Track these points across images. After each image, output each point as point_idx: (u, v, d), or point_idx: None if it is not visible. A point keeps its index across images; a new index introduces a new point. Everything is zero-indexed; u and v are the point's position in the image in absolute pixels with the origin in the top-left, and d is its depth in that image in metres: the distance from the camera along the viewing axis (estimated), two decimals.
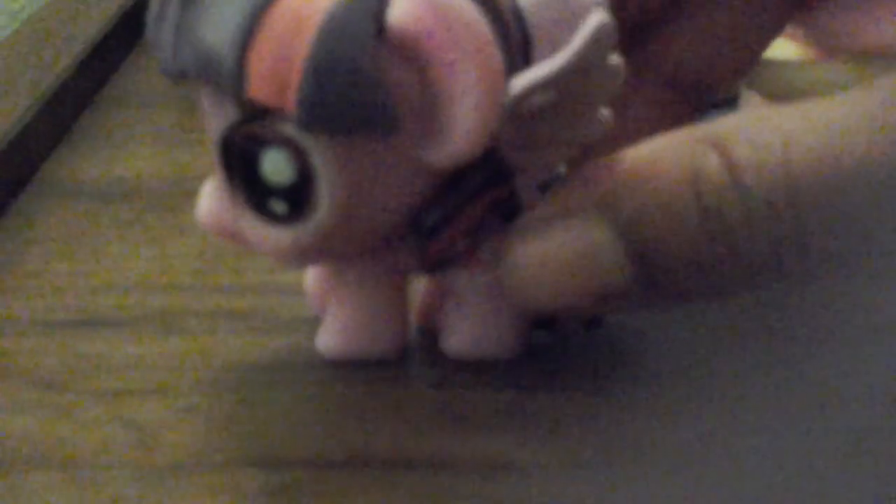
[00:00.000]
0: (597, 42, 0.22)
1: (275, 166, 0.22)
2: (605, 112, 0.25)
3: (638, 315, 0.27)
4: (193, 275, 0.29)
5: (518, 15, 0.23)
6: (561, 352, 0.26)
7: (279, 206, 0.23)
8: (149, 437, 0.23)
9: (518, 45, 0.23)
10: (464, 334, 0.25)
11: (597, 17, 0.22)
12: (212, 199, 0.24)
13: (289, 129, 0.22)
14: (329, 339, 0.26)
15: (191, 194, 0.33)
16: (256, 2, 0.21)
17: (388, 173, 0.23)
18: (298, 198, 0.22)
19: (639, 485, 0.22)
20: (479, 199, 0.24)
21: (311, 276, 0.26)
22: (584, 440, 0.23)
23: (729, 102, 0.34)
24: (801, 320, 0.27)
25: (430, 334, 0.26)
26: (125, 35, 0.44)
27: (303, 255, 0.23)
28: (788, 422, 0.23)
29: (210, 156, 0.35)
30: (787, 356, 0.26)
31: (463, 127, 0.22)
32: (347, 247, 0.24)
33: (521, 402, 0.24)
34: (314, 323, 0.27)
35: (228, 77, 0.21)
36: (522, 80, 0.22)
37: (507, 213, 0.24)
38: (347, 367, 0.25)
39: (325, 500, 0.22)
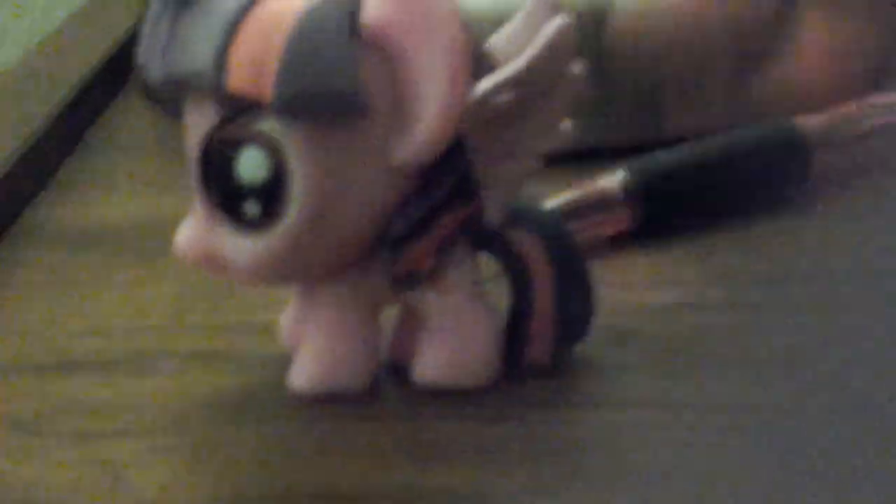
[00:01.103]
0: (556, 44, 0.24)
1: (249, 164, 0.23)
2: (566, 123, 0.25)
3: (605, 345, 0.27)
4: (168, 317, 0.30)
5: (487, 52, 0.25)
6: (529, 381, 0.26)
7: (253, 208, 0.24)
8: (120, 477, 0.23)
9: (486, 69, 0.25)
10: (434, 361, 0.26)
11: (557, 21, 0.24)
12: (188, 227, 0.25)
13: (264, 126, 0.23)
14: (301, 374, 0.26)
15: (168, 239, 0.34)
16: (237, 7, 0.23)
17: (358, 173, 0.24)
18: (272, 198, 0.24)
19: None
20: (448, 215, 0.24)
21: (285, 314, 0.27)
22: (554, 467, 0.23)
23: None
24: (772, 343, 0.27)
25: (401, 368, 0.27)
26: (108, 82, 0.45)
27: (276, 267, 0.24)
28: (752, 446, 0.24)
29: (187, 203, 0.36)
30: (747, 390, 0.26)
31: (428, 119, 0.23)
32: (319, 258, 0.24)
33: (489, 431, 0.24)
34: (286, 361, 0.27)
35: (210, 73, 0.23)
36: (487, 81, 0.24)
37: (475, 234, 0.25)
38: (318, 404, 0.26)
39: None
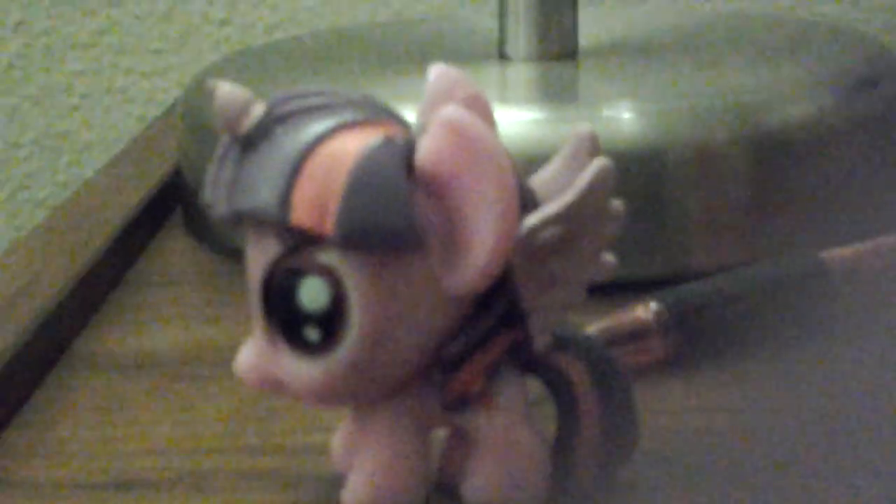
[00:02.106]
0: (599, 182, 0.25)
1: (311, 293, 0.25)
2: (609, 255, 0.27)
3: (646, 467, 0.28)
4: (220, 438, 0.30)
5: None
6: (580, 500, 0.27)
7: (313, 334, 0.25)
8: None
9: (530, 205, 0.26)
10: (482, 480, 0.26)
11: (598, 162, 0.26)
12: (248, 350, 0.26)
13: (325, 257, 0.25)
14: (354, 494, 0.27)
15: (215, 364, 0.35)
16: (301, 148, 0.25)
17: (414, 301, 0.25)
18: (331, 324, 0.25)
19: None
20: (496, 338, 0.25)
21: (338, 435, 0.28)
22: None
23: None
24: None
25: (450, 488, 0.27)
26: (151, 220, 0.47)
27: (333, 390, 0.25)
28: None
29: (232, 330, 0.37)
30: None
31: (480, 252, 0.25)
32: (375, 381, 0.26)
33: None
34: (339, 481, 0.28)
35: (274, 209, 0.25)
36: (534, 217, 0.25)
37: (522, 356, 0.26)
38: None
39: None
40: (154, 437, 0.31)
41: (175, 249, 0.45)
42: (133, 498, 0.28)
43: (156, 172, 0.49)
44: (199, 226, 0.45)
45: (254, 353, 0.26)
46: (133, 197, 0.46)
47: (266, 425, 0.31)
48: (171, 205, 0.49)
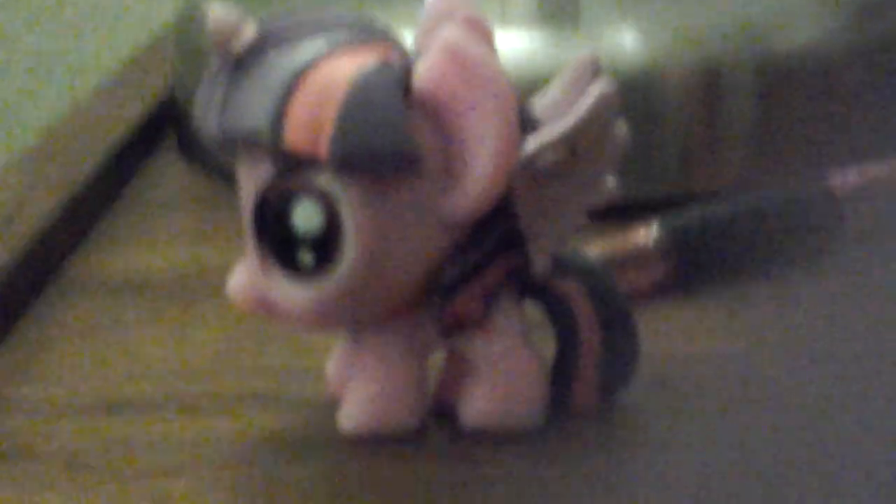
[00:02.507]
0: (602, 105, 0.25)
1: (305, 216, 0.24)
2: (611, 179, 0.26)
3: (645, 391, 0.28)
4: (213, 360, 0.30)
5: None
6: (573, 425, 0.26)
7: (307, 257, 0.24)
8: None
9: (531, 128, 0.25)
10: (480, 406, 0.26)
11: (602, 83, 0.25)
12: (241, 273, 0.26)
13: (319, 179, 0.24)
14: (350, 415, 0.26)
15: (209, 287, 0.34)
16: (294, 69, 0.24)
17: (409, 225, 0.24)
18: (325, 248, 0.24)
19: None
20: (495, 263, 0.25)
21: (332, 360, 0.27)
22: None
23: None
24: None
25: (448, 411, 0.27)
26: (144, 143, 0.46)
27: (327, 314, 0.25)
28: (790, 491, 0.24)
29: (226, 252, 0.37)
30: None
31: (479, 176, 0.24)
32: (370, 306, 0.25)
33: (534, 473, 0.25)
34: (333, 404, 0.28)
35: (267, 131, 0.24)
36: (535, 140, 0.24)
37: (521, 281, 0.26)
38: (366, 445, 0.26)
39: None
40: (146, 359, 0.30)
41: (168, 172, 0.44)
42: (124, 420, 0.27)
43: (149, 95, 0.48)
44: (193, 148, 0.44)
45: (246, 276, 0.26)
46: (126, 119, 0.45)
47: (260, 348, 0.31)
48: (164, 127, 0.48)
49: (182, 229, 0.39)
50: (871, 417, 0.27)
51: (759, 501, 0.24)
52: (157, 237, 0.38)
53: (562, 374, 0.27)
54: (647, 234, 0.33)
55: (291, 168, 0.24)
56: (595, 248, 0.33)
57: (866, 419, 0.27)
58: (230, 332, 0.32)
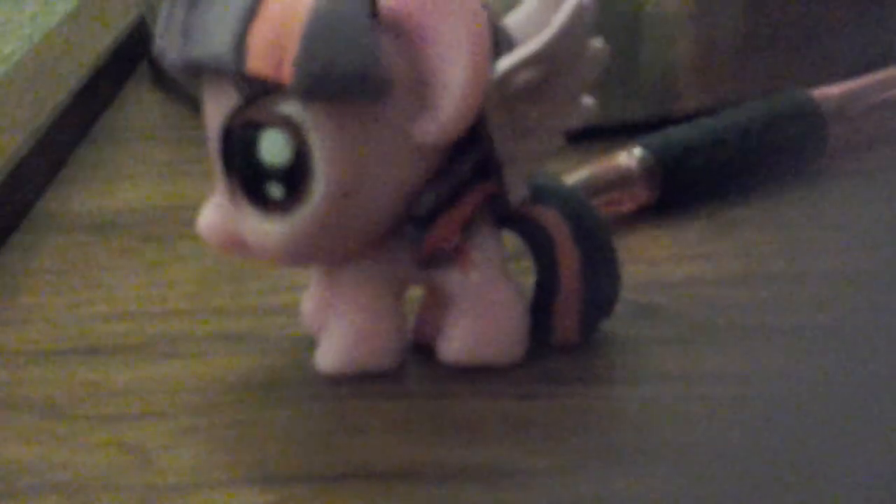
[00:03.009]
0: (577, 20, 0.24)
1: (272, 146, 0.23)
2: (588, 99, 0.25)
3: (630, 320, 0.27)
4: (189, 300, 0.30)
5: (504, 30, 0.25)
6: (555, 357, 0.26)
7: (276, 190, 0.24)
8: (148, 459, 0.23)
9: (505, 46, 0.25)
10: (460, 340, 0.25)
11: (575, 0, 0.24)
12: (211, 210, 0.25)
13: (285, 108, 0.23)
14: (327, 354, 0.26)
15: (184, 223, 0.34)
16: None
17: (381, 153, 0.24)
18: (295, 180, 0.24)
19: (639, 484, 0.22)
20: (471, 191, 0.24)
21: (308, 296, 0.27)
22: (582, 442, 0.23)
23: None
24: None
25: (427, 348, 0.27)
26: (116, 71, 0.45)
27: (299, 249, 0.24)
28: (785, 417, 0.24)
29: (202, 187, 0.36)
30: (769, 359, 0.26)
31: (450, 98, 0.23)
32: (344, 239, 0.24)
33: (520, 408, 0.24)
34: (311, 342, 0.27)
35: (229, 57, 0.23)
36: (508, 59, 0.24)
37: (498, 209, 0.25)
38: (345, 383, 0.26)
39: None
40: (122, 300, 0.30)
41: (142, 103, 0.43)
42: (101, 364, 0.27)
43: (120, 23, 0.47)
44: (167, 78, 0.43)
45: (216, 212, 0.25)
46: (96, 49, 0.44)
47: (236, 286, 0.30)
48: (136, 56, 0.47)
49: (157, 164, 0.38)
50: (858, 337, 0.26)
51: (747, 430, 0.23)
52: (131, 172, 0.37)
53: (542, 304, 0.26)
54: (629, 156, 0.32)
55: (257, 96, 0.23)
56: (577, 174, 0.32)
57: (854, 339, 0.26)
58: (206, 270, 0.31)
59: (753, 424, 0.23)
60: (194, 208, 0.35)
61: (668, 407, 0.24)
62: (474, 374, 0.26)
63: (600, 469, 0.22)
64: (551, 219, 0.25)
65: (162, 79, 0.44)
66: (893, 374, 0.25)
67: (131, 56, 0.46)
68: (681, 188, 0.33)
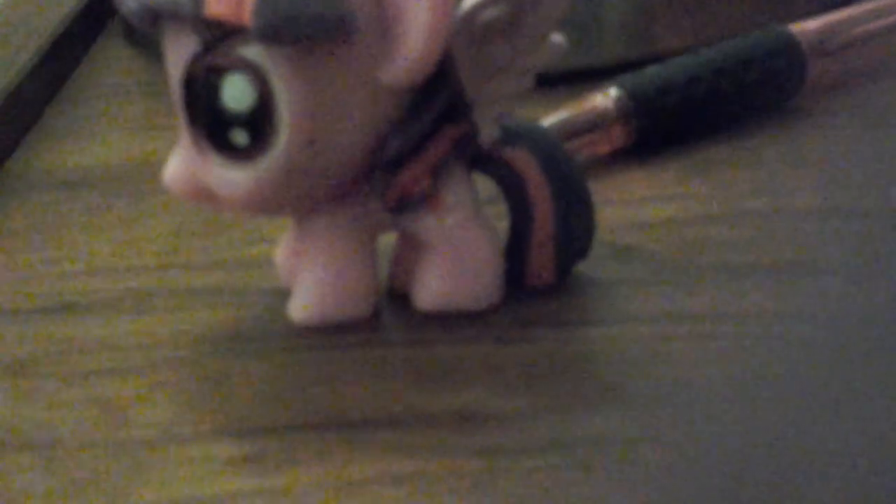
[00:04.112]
0: None
1: (235, 91, 0.23)
2: (557, 38, 0.25)
3: (607, 261, 0.27)
4: (162, 255, 0.29)
5: None
6: (532, 301, 0.26)
7: (241, 137, 0.23)
8: (121, 414, 0.23)
9: None
10: (434, 286, 0.25)
11: None
12: (176, 160, 0.25)
13: (247, 52, 0.23)
14: (300, 304, 0.25)
15: (156, 180, 0.33)
16: None
17: (347, 97, 0.23)
18: (260, 126, 0.23)
19: (617, 425, 0.22)
20: (441, 134, 0.24)
21: (281, 247, 0.26)
22: (560, 385, 0.23)
23: None
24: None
25: (402, 294, 0.26)
26: (87, 28, 0.44)
27: (267, 197, 0.24)
28: (759, 355, 0.23)
29: (174, 142, 0.35)
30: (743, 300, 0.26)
31: (415, 38, 0.23)
32: (312, 186, 0.24)
33: (495, 353, 0.24)
34: (284, 293, 0.27)
35: (187, 1, 0.23)
36: None
37: (469, 152, 0.25)
38: (319, 333, 0.25)
39: (297, 464, 0.22)
40: (94, 257, 0.29)
41: (113, 59, 0.43)
42: (73, 321, 0.27)
43: None
44: (139, 34, 0.43)
45: (181, 162, 0.24)
46: (66, 5, 0.43)
47: (209, 240, 0.30)
48: (108, 12, 0.46)
49: (129, 120, 0.37)
50: (838, 273, 0.26)
51: (726, 369, 0.23)
52: (103, 129, 0.37)
53: (516, 247, 0.26)
54: (605, 97, 0.32)
55: (217, 41, 0.23)
56: (553, 117, 0.32)
57: (833, 275, 0.26)
58: (179, 225, 0.31)
59: (732, 363, 0.23)
60: (166, 164, 0.34)
61: (646, 348, 0.24)
62: (450, 319, 0.25)
63: (577, 411, 0.22)
64: (522, 159, 0.25)
65: (133, 34, 0.43)
66: (873, 308, 0.24)
67: (102, 12, 0.46)
68: (657, 128, 0.32)
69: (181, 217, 0.31)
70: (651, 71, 0.33)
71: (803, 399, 0.22)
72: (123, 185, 0.33)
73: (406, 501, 0.20)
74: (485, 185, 0.27)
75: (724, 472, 0.20)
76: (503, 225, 0.27)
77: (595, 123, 0.32)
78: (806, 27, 0.34)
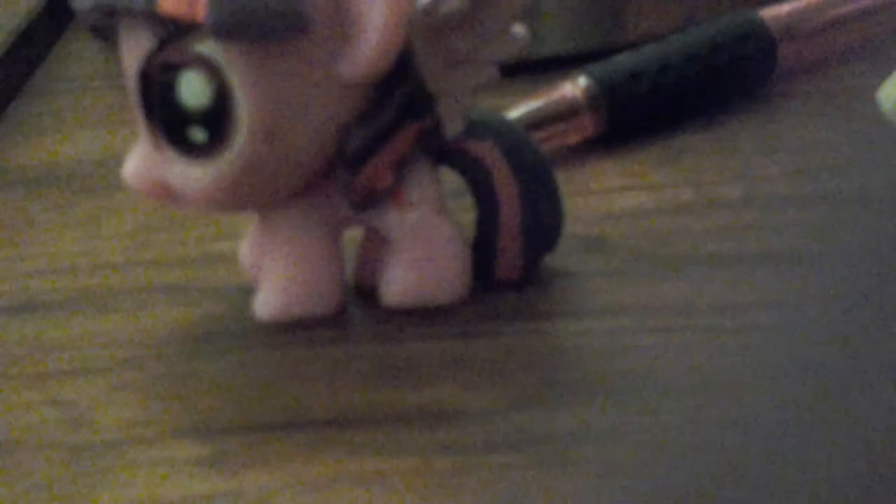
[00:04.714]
0: None
1: (191, 89, 0.23)
2: (519, 30, 0.25)
3: (577, 253, 0.27)
4: (125, 252, 0.29)
5: None
6: (500, 295, 0.25)
7: (199, 134, 0.23)
8: (80, 416, 0.23)
9: None
10: (401, 282, 0.25)
11: None
12: (135, 157, 0.24)
13: (202, 48, 0.22)
14: (265, 301, 0.25)
15: (121, 176, 0.33)
16: None
17: (306, 92, 0.23)
18: (218, 122, 0.23)
19: (585, 419, 0.21)
20: (404, 128, 0.24)
21: (245, 243, 0.26)
22: (530, 379, 0.23)
23: None
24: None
25: (369, 290, 0.26)
26: (52, 22, 0.44)
27: (228, 194, 0.23)
28: (733, 347, 0.23)
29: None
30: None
31: (372, 32, 0.22)
32: (273, 182, 0.24)
33: (463, 347, 0.24)
34: (250, 290, 0.26)
35: None
36: None
37: (433, 145, 0.24)
38: (284, 330, 0.25)
39: (261, 464, 0.21)
40: (57, 255, 0.29)
41: (79, 54, 0.42)
42: (35, 320, 0.26)
43: None
44: (106, 28, 0.42)
45: (140, 159, 0.24)
46: (29, 1, 0.43)
47: (174, 236, 0.29)
48: (71, 7, 0.46)
49: (95, 115, 0.37)
50: (811, 262, 0.26)
51: (696, 361, 0.23)
52: (69, 125, 0.36)
53: (483, 240, 0.25)
54: (574, 85, 0.32)
55: (172, 37, 0.23)
56: (521, 107, 0.31)
57: (807, 264, 0.26)
58: (144, 222, 0.30)
59: (704, 355, 0.23)
60: (125, 160, 0.34)
61: (616, 340, 0.24)
62: (417, 315, 0.25)
63: (546, 406, 0.22)
64: (486, 151, 0.25)
65: (99, 29, 0.43)
66: (847, 297, 0.24)
67: (68, 6, 0.45)
68: (628, 116, 0.32)
69: (146, 214, 0.30)
70: (620, 58, 0.32)
71: (775, 390, 0.21)
72: (89, 181, 0.33)
73: (370, 501, 0.20)
74: (452, 178, 0.26)
75: (694, 465, 0.20)
76: (470, 218, 0.26)
77: (564, 113, 0.31)
78: (776, 12, 0.34)
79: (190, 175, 0.23)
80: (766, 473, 0.18)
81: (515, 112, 0.31)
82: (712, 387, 0.22)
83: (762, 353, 0.23)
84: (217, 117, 0.23)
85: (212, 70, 0.22)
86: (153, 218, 0.30)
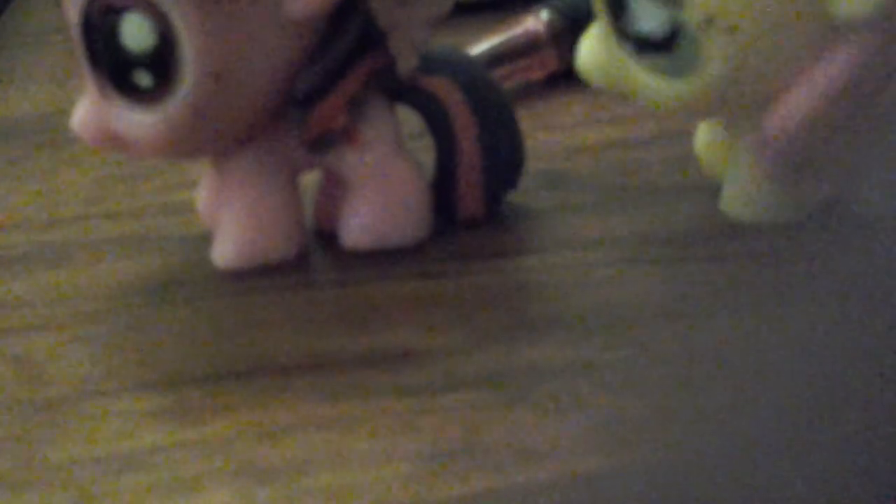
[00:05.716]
0: None
1: (134, 31, 0.22)
2: None
3: (539, 189, 0.26)
4: (81, 206, 0.28)
5: None
6: (462, 234, 0.25)
7: (144, 78, 0.22)
8: (35, 372, 0.22)
9: None
10: (360, 224, 0.24)
11: None
12: (83, 106, 0.24)
13: None
14: (224, 249, 0.25)
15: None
16: None
17: (252, 32, 0.22)
18: (163, 66, 0.22)
19: (547, 357, 0.21)
20: (356, 66, 0.23)
21: (201, 191, 0.25)
22: (495, 317, 0.22)
23: None
24: None
25: (329, 234, 0.25)
26: None
27: (177, 139, 0.23)
28: (697, 277, 0.23)
29: None
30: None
31: None
32: (223, 126, 0.23)
33: (425, 289, 0.23)
34: (208, 238, 0.26)
35: None
36: None
37: (388, 83, 0.24)
38: (244, 278, 0.24)
39: (220, 413, 0.21)
40: (12, 210, 0.28)
41: (36, 8, 0.41)
42: None
43: None
44: None
45: (88, 108, 0.24)
46: None
47: (131, 188, 0.29)
48: None
49: (50, 69, 0.36)
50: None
51: (665, 292, 0.22)
52: (24, 79, 0.36)
53: (444, 179, 0.25)
54: (536, 19, 0.31)
55: None
56: (483, 42, 0.31)
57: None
58: (100, 174, 0.30)
59: (668, 286, 0.23)
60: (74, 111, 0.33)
61: (580, 275, 0.23)
62: (378, 257, 0.25)
63: (509, 343, 0.22)
64: (443, 87, 0.24)
65: None
66: (809, 221, 0.24)
67: None
68: None
69: (102, 166, 0.30)
70: None
71: (736, 318, 0.21)
72: (45, 135, 0.32)
73: (329, 446, 0.20)
74: (412, 119, 0.26)
75: (656, 397, 0.19)
76: (431, 158, 0.26)
77: (527, 48, 0.31)
78: None
79: (138, 121, 0.23)
80: (727, 400, 0.18)
81: (477, 48, 0.30)
82: (675, 318, 0.21)
83: (724, 282, 0.22)
84: (162, 60, 0.22)
85: (154, 11, 0.22)
86: (110, 170, 0.30)
